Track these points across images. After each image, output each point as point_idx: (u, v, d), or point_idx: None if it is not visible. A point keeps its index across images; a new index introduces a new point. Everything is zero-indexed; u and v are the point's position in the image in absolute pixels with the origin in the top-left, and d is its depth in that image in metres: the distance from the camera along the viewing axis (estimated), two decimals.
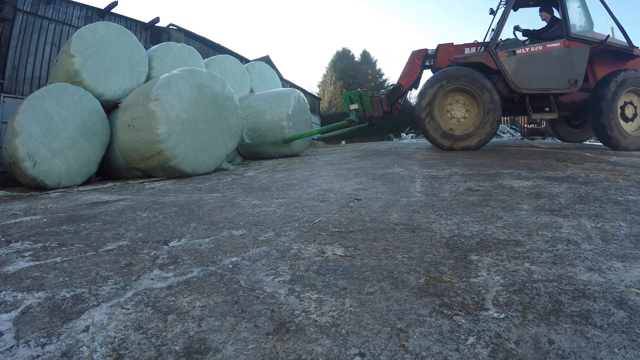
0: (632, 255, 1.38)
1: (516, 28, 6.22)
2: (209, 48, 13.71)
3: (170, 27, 12.33)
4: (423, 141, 13.33)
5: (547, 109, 5.77)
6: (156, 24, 11.05)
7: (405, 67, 6.57)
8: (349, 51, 42.29)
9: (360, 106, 6.63)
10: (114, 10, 9.84)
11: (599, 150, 5.72)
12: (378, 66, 43.77)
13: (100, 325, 1.05)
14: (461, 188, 2.80)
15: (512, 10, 5.89)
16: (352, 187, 3.08)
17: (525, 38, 6.17)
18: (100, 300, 1.21)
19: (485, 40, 6.29)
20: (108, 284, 1.35)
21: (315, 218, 2.14)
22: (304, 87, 25.76)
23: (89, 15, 9.41)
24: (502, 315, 1.01)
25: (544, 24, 6.16)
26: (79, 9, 9.21)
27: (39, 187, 4.94)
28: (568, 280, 1.21)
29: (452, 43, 6.34)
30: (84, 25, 7.82)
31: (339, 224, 1.99)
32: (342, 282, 1.27)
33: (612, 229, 1.69)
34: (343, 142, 23.48)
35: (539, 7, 6.16)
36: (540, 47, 5.51)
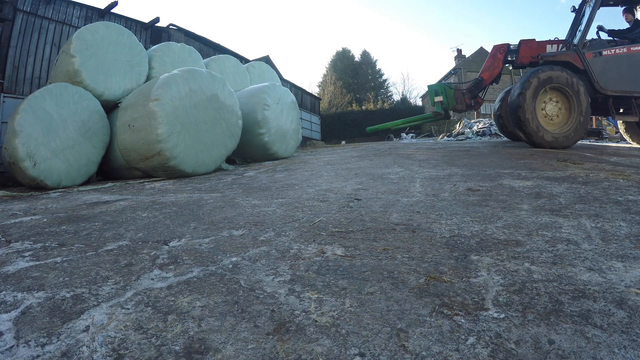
0: (632, 255, 1.38)
1: (600, 28, 6.25)
2: (209, 48, 13.72)
3: (170, 27, 12.35)
4: (423, 141, 13.32)
5: (622, 109, 5.89)
6: (156, 24, 11.05)
7: (487, 61, 6.64)
8: (349, 51, 42.36)
9: (445, 99, 6.70)
10: (114, 10, 9.85)
11: (598, 150, 5.72)
12: (378, 66, 43.82)
13: (100, 325, 1.05)
14: (461, 188, 2.80)
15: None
16: (352, 187, 3.08)
17: (610, 38, 6.18)
18: (100, 300, 1.21)
19: (567, 38, 6.33)
20: (108, 284, 1.35)
21: (315, 218, 2.14)
22: (304, 87, 25.80)
23: (89, 15, 9.41)
24: (502, 315, 1.01)
25: (624, 25, 6.22)
26: (79, 9, 9.22)
27: (39, 187, 4.94)
28: (568, 280, 1.20)
29: (534, 39, 6.39)
30: (84, 25, 7.82)
31: (339, 224, 1.99)
32: (342, 282, 1.27)
33: (612, 229, 1.69)
34: (343, 142, 23.48)
35: (623, 8, 6.20)
36: (625, 50, 5.59)
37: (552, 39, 6.38)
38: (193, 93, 5.18)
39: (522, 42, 6.36)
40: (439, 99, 6.73)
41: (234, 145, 5.86)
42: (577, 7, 6.35)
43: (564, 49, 6.07)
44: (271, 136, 6.64)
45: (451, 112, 7.23)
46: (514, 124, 5.82)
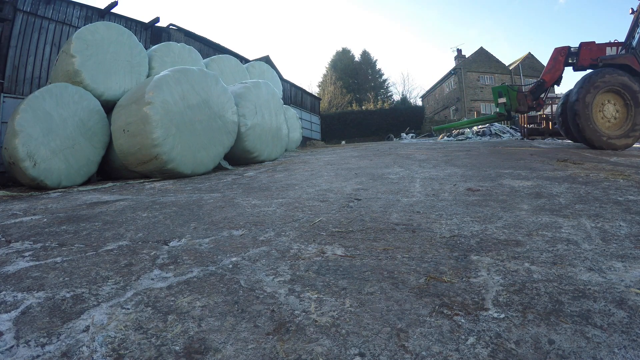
0: (632, 255, 1.38)
1: None
2: (209, 48, 13.72)
3: (170, 27, 12.35)
4: (423, 141, 13.32)
5: None
6: (156, 24, 11.05)
7: (548, 64, 6.74)
8: (349, 51, 42.37)
9: (508, 100, 6.81)
10: (114, 10, 9.85)
11: (598, 150, 5.72)
12: (378, 66, 43.83)
13: (100, 325, 1.05)
14: (461, 188, 2.80)
15: None
16: (352, 187, 3.08)
17: None
18: (100, 300, 1.21)
19: (625, 41, 6.39)
20: (108, 284, 1.35)
21: (315, 218, 2.14)
22: (304, 87, 25.81)
23: (89, 15, 9.41)
24: (502, 315, 1.01)
25: None
26: (79, 9, 9.22)
27: (39, 187, 4.94)
28: (568, 280, 1.20)
29: (594, 42, 6.47)
30: (84, 25, 7.83)
31: (339, 224, 1.99)
32: (342, 282, 1.27)
33: (612, 229, 1.69)
34: (343, 142, 23.50)
35: None
36: None
37: (612, 41, 6.48)
38: (186, 93, 5.09)
39: (582, 44, 6.44)
40: (502, 100, 6.88)
41: (231, 142, 5.77)
42: (635, 9, 6.41)
43: (623, 52, 6.15)
44: (262, 155, 6.54)
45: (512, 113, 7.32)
46: (572, 126, 5.90)
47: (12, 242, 2.03)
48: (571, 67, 6.65)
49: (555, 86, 7.09)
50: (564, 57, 6.53)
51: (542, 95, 6.85)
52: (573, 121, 5.76)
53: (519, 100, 6.74)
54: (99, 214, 2.69)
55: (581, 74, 6.28)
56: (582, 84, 5.73)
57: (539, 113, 11.70)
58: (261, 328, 1.00)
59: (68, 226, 2.34)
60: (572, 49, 6.54)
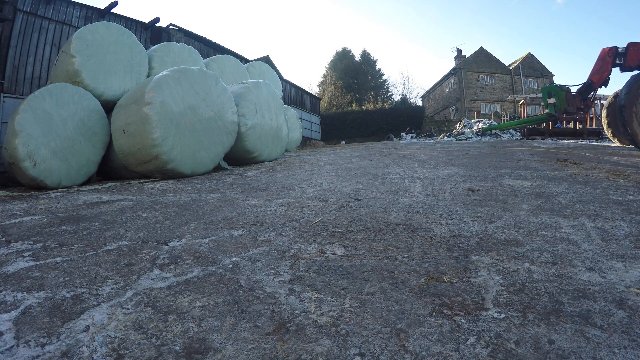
0: (632, 255, 1.38)
1: None
2: (209, 48, 13.73)
3: (170, 27, 12.35)
4: (423, 141, 13.32)
5: None
6: (156, 24, 11.06)
7: (596, 65, 6.68)
8: (349, 51, 42.40)
9: (557, 100, 6.78)
10: (114, 10, 9.86)
11: (598, 150, 5.72)
12: (378, 66, 43.85)
13: (100, 325, 1.05)
14: (461, 188, 2.80)
15: None
16: (352, 187, 3.08)
17: None
18: (100, 300, 1.21)
19: None
20: (108, 284, 1.35)
21: (315, 218, 2.14)
22: (304, 87, 25.81)
23: (89, 15, 9.42)
24: (502, 315, 1.01)
25: None
26: (79, 9, 9.22)
27: (39, 187, 4.94)
28: (568, 280, 1.20)
29: None
30: (84, 25, 7.83)
31: (339, 224, 1.99)
32: (342, 282, 1.27)
33: (612, 229, 1.69)
34: (343, 142, 23.50)
35: None
36: None
37: None
38: (185, 93, 5.08)
39: (629, 45, 6.39)
40: (552, 100, 6.85)
41: (231, 142, 5.76)
42: None
43: None
44: (262, 155, 6.51)
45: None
46: (620, 127, 5.88)
47: (12, 242, 2.03)
48: (618, 68, 6.54)
49: (603, 87, 7.00)
50: (612, 57, 6.45)
51: (590, 96, 6.80)
52: (621, 122, 5.69)
53: (568, 101, 6.70)
54: (99, 214, 2.69)
55: (628, 75, 6.17)
56: (628, 85, 5.65)
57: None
58: (261, 328, 1.00)
59: (68, 226, 2.34)
60: (619, 49, 6.46)
